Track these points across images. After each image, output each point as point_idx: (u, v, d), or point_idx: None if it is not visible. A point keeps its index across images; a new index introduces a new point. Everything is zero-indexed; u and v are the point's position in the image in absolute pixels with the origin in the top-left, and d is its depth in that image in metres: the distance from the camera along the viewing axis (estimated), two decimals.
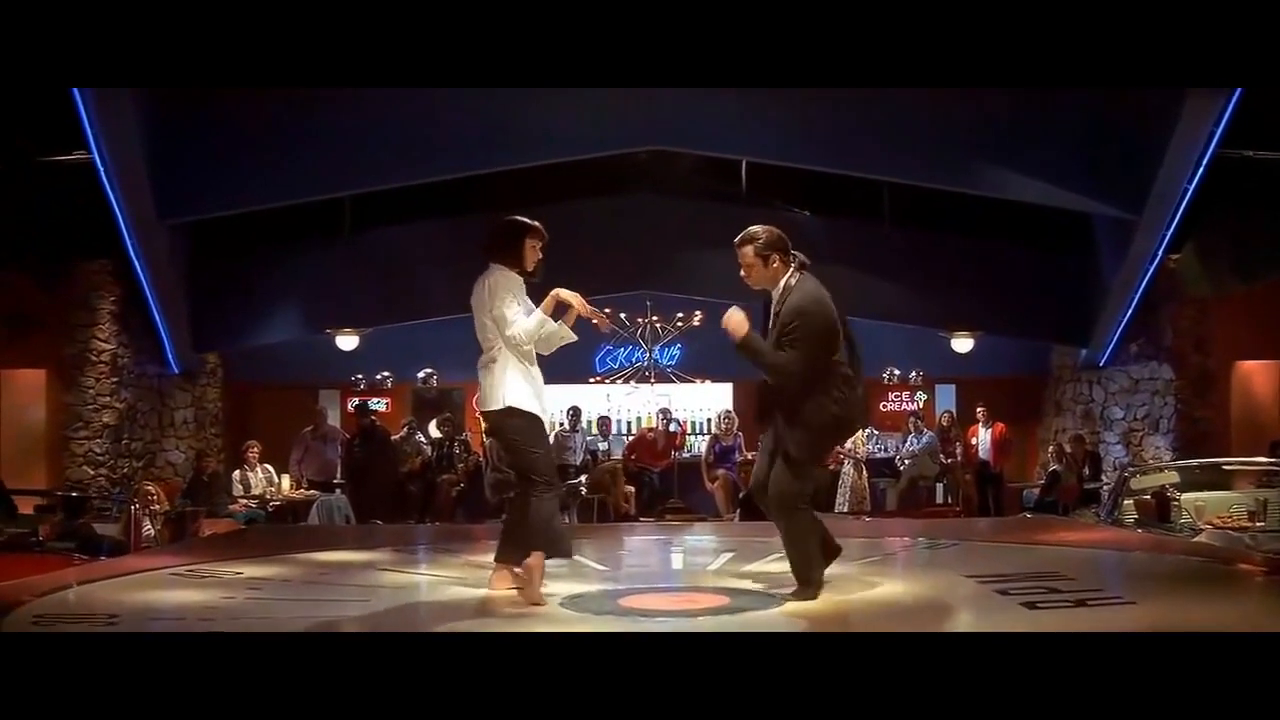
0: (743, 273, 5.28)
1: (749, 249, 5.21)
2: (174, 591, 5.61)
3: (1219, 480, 10.00)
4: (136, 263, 13.02)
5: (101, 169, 11.57)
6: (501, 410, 5.25)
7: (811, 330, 5.07)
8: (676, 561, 7.11)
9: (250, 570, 6.22)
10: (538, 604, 5.07)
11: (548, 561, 5.23)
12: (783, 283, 5.21)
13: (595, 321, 5.51)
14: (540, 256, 5.41)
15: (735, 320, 5.10)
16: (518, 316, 5.21)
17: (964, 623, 4.96)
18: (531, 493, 5.26)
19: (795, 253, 5.28)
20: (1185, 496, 9.28)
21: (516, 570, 5.31)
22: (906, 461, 14.76)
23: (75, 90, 10.66)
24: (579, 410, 14.84)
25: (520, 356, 5.25)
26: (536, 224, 5.42)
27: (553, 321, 5.33)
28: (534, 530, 5.22)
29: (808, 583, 5.16)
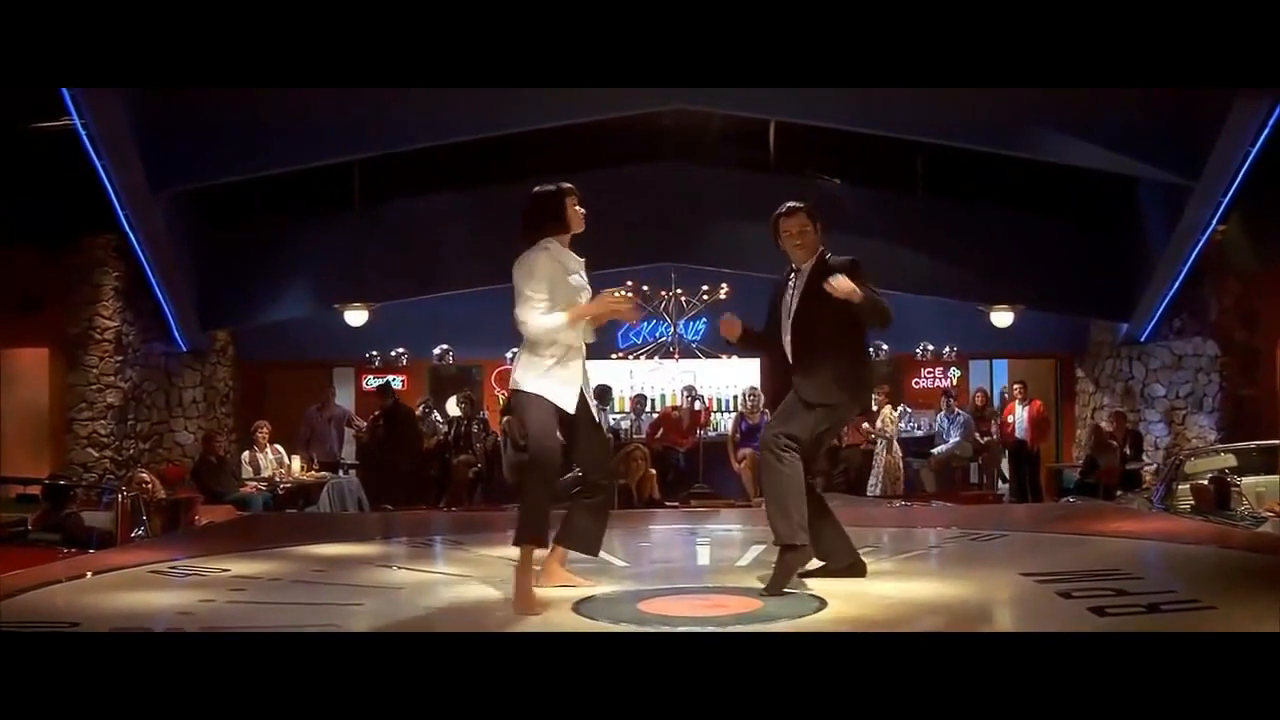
0: (797, 241, 5.07)
1: (802, 215, 5.07)
2: (148, 593, 5.12)
3: (1273, 463, 9.50)
4: (132, 236, 12.50)
5: (86, 139, 11.01)
6: (514, 391, 4.86)
7: None
8: (702, 556, 6.62)
9: (239, 567, 5.74)
10: (530, 611, 4.49)
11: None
12: (817, 255, 5.06)
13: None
14: (583, 212, 4.93)
15: (845, 281, 4.79)
16: (536, 309, 4.71)
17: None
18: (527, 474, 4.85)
19: None
20: (1245, 481, 8.73)
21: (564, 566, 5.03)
22: (947, 444, 14.26)
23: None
24: (608, 389, 14.22)
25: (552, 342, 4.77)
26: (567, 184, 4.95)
27: (572, 332, 4.77)
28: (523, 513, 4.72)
29: (789, 545, 4.77)
